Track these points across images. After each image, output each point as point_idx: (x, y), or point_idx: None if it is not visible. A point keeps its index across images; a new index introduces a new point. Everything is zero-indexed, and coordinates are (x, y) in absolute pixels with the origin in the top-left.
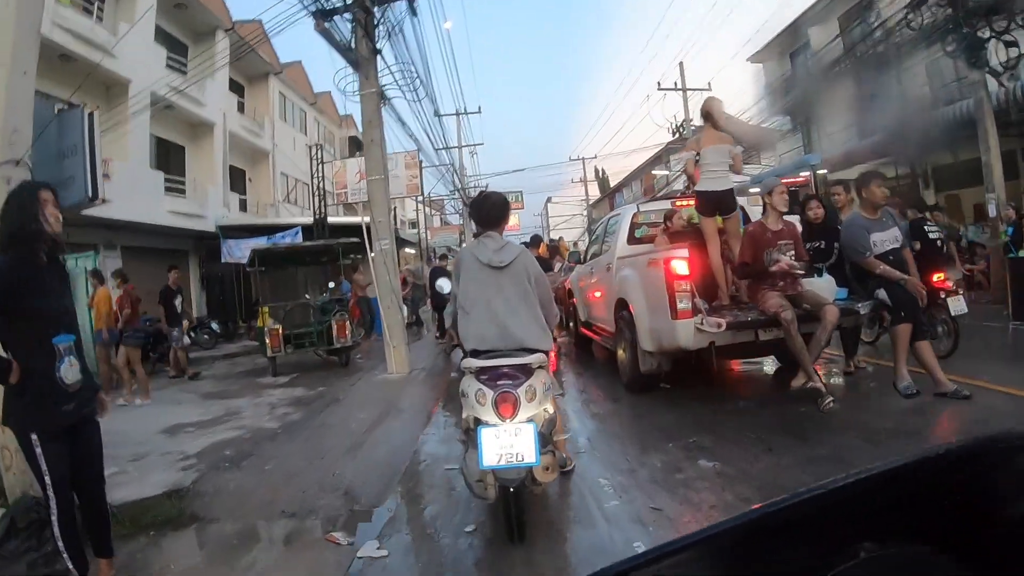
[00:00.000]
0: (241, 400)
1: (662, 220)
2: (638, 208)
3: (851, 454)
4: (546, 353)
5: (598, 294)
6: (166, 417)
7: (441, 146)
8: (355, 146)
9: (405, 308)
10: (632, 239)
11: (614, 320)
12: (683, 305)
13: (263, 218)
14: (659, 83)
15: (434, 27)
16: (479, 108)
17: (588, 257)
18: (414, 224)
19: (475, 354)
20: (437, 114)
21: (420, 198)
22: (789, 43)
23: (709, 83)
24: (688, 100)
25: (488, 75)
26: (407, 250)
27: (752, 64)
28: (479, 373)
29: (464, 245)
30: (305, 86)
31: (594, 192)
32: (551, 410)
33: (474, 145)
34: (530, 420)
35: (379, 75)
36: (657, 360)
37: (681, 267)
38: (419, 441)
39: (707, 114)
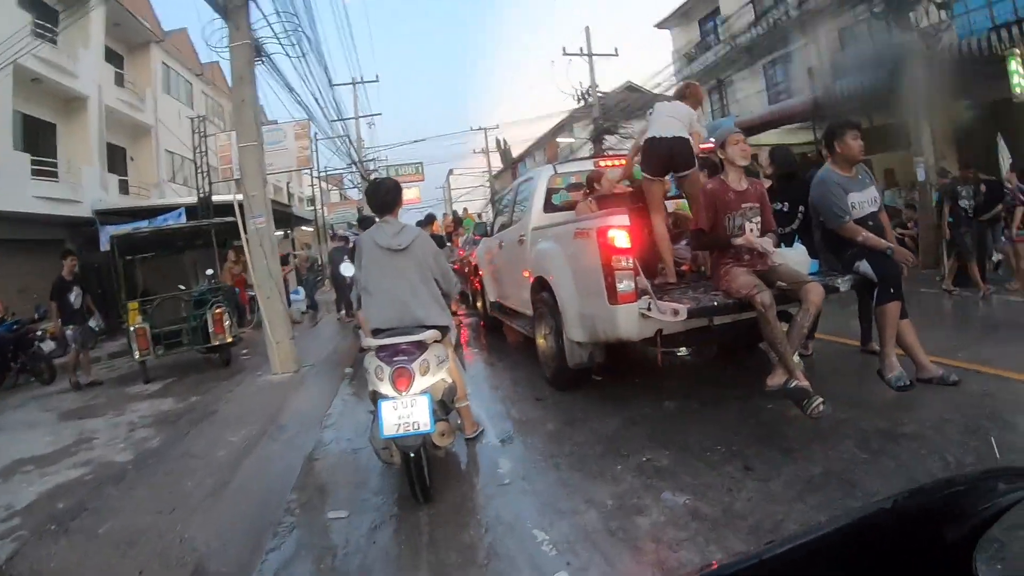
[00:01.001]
0: (99, 420)
1: (584, 184)
2: (555, 170)
3: (852, 471)
4: (443, 328)
5: (510, 271)
6: (9, 448)
7: (335, 117)
8: None
9: (301, 291)
10: (549, 206)
11: (531, 302)
12: (624, 286)
13: (146, 200)
14: (564, 48)
15: None
16: (376, 77)
17: (496, 229)
18: (313, 201)
19: (377, 333)
20: (331, 83)
21: (315, 172)
22: (699, 9)
23: (616, 49)
24: (594, 66)
25: (387, 42)
26: (304, 228)
27: (659, 30)
28: (378, 351)
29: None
30: (191, 55)
31: (496, 163)
32: (448, 380)
33: (372, 116)
34: (425, 392)
35: (255, 27)
36: (589, 351)
37: (621, 238)
38: (299, 473)
39: (680, 94)
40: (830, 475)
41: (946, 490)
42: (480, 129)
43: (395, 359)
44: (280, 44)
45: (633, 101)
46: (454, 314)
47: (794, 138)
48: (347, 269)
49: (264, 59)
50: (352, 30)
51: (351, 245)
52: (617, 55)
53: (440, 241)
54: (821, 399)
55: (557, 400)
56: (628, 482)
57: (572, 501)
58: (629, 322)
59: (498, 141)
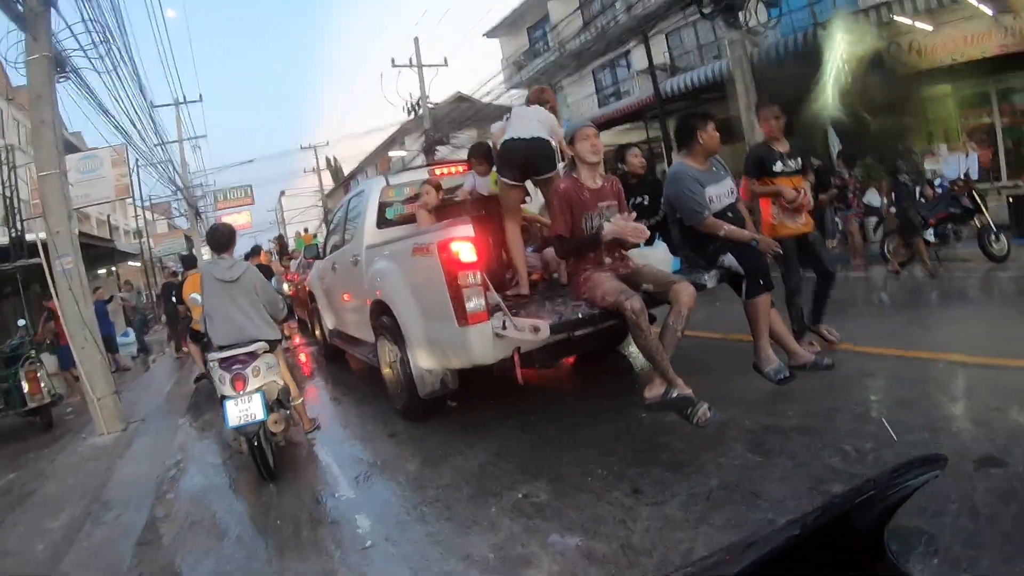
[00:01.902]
0: None
1: (421, 193)
2: (387, 181)
3: (750, 478)
4: (273, 342)
5: (345, 295)
6: None
7: (157, 141)
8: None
9: (131, 333)
10: (383, 221)
11: (372, 329)
12: (474, 305)
13: None
14: (393, 60)
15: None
16: (200, 96)
17: (329, 250)
18: (141, 233)
19: (220, 348)
20: (151, 104)
21: (138, 201)
22: (527, 18)
23: (445, 59)
24: (424, 76)
25: (210, 61)
26: (131, 263)
27: (488, 39)
28: (220, 362)
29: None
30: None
31: (329, 182)
32: (280, 381)
33: (197, 138)
34: (258, 390)
35: (60, 38)
36: (440, 378)
37: (466, 251)
38: (129, 565)
39: (537, 100)
40: (728, 487)
41: (856, 499)
42: (310, 147)
43: (233, 367)
44: (86, 56)
45: (463, 111)
46: (289, 346)
47: (628, 137)
48: (197, 298)
49: (70, 75)
50: (171, 47)
51: (181, 279)
52: (447, 65)
53: (267, 270)
54: (707, 404)
55: (412, 434)
56: (507, 527)
57: (448, 561)
58: (483, 344)
59: (328, 159)
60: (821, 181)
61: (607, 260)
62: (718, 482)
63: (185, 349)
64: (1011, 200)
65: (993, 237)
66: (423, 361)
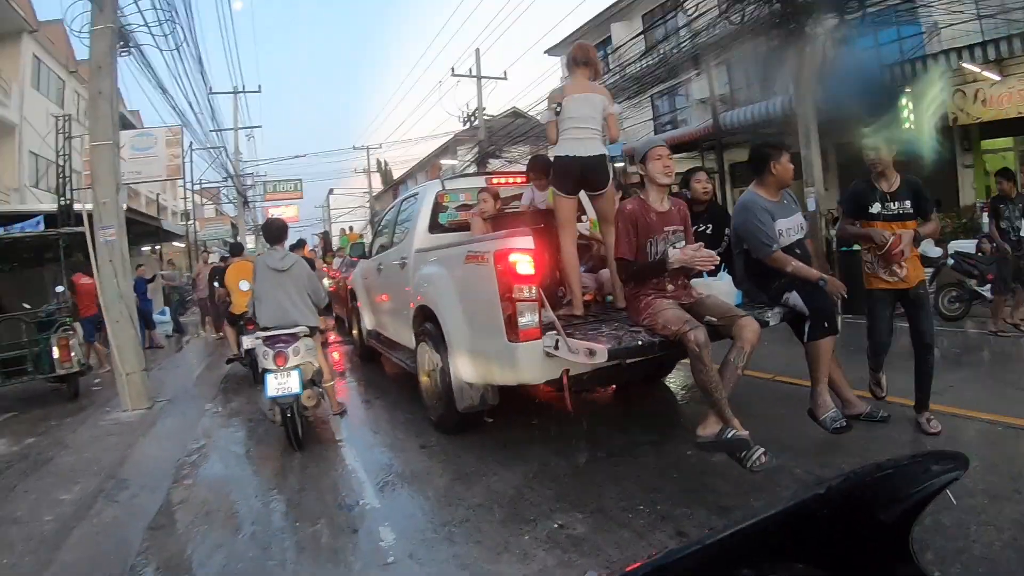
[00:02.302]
0: None
1: (478, 201)
2: (443, 186)
3: None
4: (313, 328)
5: (389, 298)
6: None
7: (213, 127)
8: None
9: (167, 312)
10: (436, 226)
11: (414, 335)
12: (527, 320)
13: (3, 205)
14: (453, 68)
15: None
16: (259, 87)
17: (375, 250)
18: (189, 215)
19: (266, 329)
20: (210, 90)
21: (189, 184)
22: (589, 38)
23: (505, 72)
24: (483, 88)
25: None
26: (175, 244)
27: (550, 56)
28: (265, 340)
29: (258, 255)
30: (66, 50)
31: (377, 184)
32: (316, 363)
33: (252, 128)
34: (297, 367)
35: (126, 13)
36: (481, 393)
37: (524, 263)
38: (136, 550)
39: (583, 59)
40: None
41: (876, 474)
42: (363, 148)
43: (276, 345)
44: (150, 33)
45: (518, 126)
46: (326, 343)
47: (680, 167)
48: (244, 285)
49: (132, 50)
50: (235, 35)
51: (225, 264)
52: (506, 78)
53: (310, 263)
54: (763, 449)
55: (445, 447)
56: (540, 558)
57: None
58: (532, 362)
59: (379, 161)
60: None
61: (670, 287)
62: None
63: (221, 333)
64: None
65: None
66: (465, 373)
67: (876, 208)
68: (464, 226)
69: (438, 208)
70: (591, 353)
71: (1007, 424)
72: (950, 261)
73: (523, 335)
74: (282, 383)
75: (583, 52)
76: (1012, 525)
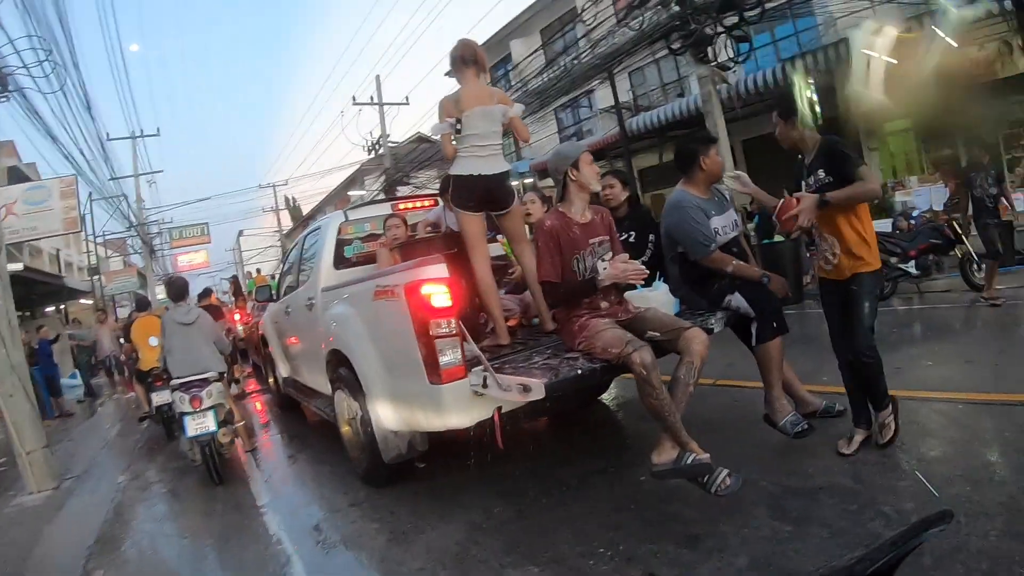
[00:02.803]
0: None
1: (383, 230)
2: (346, 217)
3: (782, 554)
4: (220, 373)
5: (300, 342)
6: None
7: (111, 175)
8: (15, 177)
9: (77, 375)
10: (341, 260)
11: (329, 381)
12: (448, 359)
13: None
14: (354, 97)
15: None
16: (157, 130)
17: (283, 291)
18: (91, 271)
19: (179, 378)
20: (106, 136)
21: (91, 236)
22: (489, 57)
23: (407, 97)
24: (385, 115)
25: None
26: (82, 301)
27: (450, 78)
28: (180, 387)
29: (165, 308)
30: None
31: (287, 222)
32: (226, 405)
33: (153, 172)
34: (211, 408)
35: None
36: (408, 440)
37: (439, 296)
38: None
39: (471, 58)
40: (759, 566)
41: (890, 558)
42: (269, 185)
43: (191, 390)
44: (30, 75)
45: (424, 151)
46: (243, 393)
47: None
48: (153, 340)
49: (12, 94)
50: (129, 79)
51: (130, 320)
52: (408, 104)
53: (217, 311)
54: (727, 471)
55: (376, 503)
56: None
57: None
58: (459, 405)
59: (287, 199)
60: None
61: (604, 304)
62: (747, 560)
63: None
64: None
65: (975, 267)
66: (387, 421)
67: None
68: (374, 258)
69: (343, 241)
70: (526, 389)
71: (966, 401)
72: None
73: (446, 375)
74: (199, 423)
75: (470, 50)
76: (1002, 510)
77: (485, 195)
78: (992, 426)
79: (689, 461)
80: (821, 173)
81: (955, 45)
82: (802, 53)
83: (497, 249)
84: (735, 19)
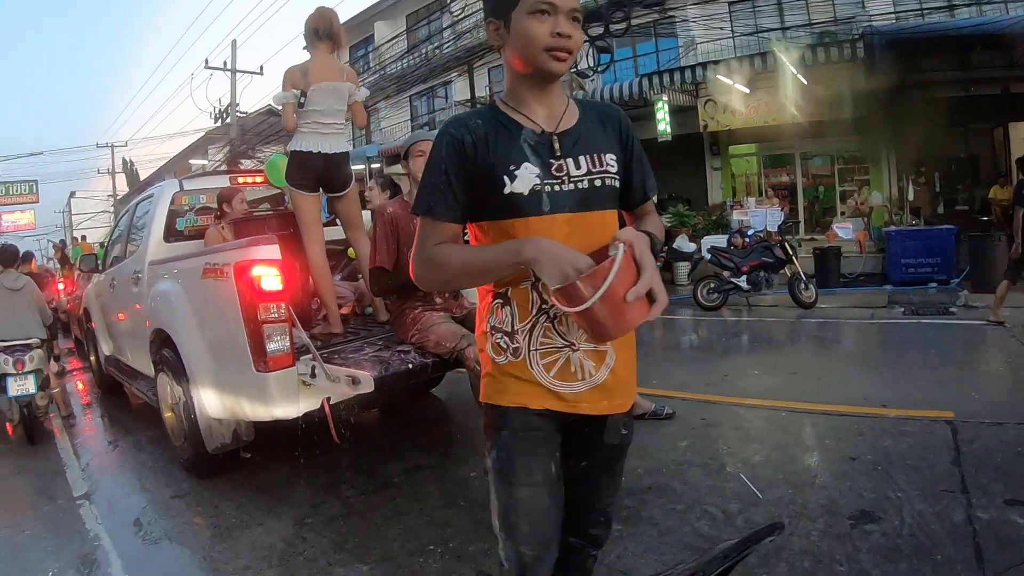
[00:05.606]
0: None
1: (217, 204)
2: (181, 186)
3: (614, 552)
4: (41, 340)
5: (124, 318)
6: None
7: None
8: None
9: None
10: (173, 233)
11: (152, 363)
12: (276, 346)
13: None
14: (207, 60)
15: None
16: None
17: (109, 262)
18: None
19: (3, 341)
20: None
21: None
22: (352, 36)
23: (262, 67)
24: (237, 83)
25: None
26: None
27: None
28: (3, 349)
29: None
30: None
31: (123, 186)
32: (44, 371)
33: None
34: (32, 372)
35: None
36: (232, 429)
37: (270, 278)
38: None
39: (326, 32)
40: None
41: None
42: (107, 145)
43: (15, 353)
44: None
45: (273, 125)
46: (63, 371)
47: None
48: None
49: None
50: None
51: None
52: (262, 74)
53: (38, 278)
54: None
55: (200, 495)
56: None
57: None
58: (286, 394)
59: (124, 161)
60: None
61: (438, 300)
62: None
63: None
64: (817, 252)
65: (803, 285)
66: (211, 408)
67: None
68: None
69: (176, 212)
70: (355, 382)
71: (790, 409)
72: (706, 255)
73: (273, 363)
74: (20, 384)
75: (326, 22)
76: (822, 512)
77: (322, 175)
78: (814, 433)
79: None
80: None
81: (804, 82)
82: (659, 71)
83: (337, 232)
84: (600, 30)
